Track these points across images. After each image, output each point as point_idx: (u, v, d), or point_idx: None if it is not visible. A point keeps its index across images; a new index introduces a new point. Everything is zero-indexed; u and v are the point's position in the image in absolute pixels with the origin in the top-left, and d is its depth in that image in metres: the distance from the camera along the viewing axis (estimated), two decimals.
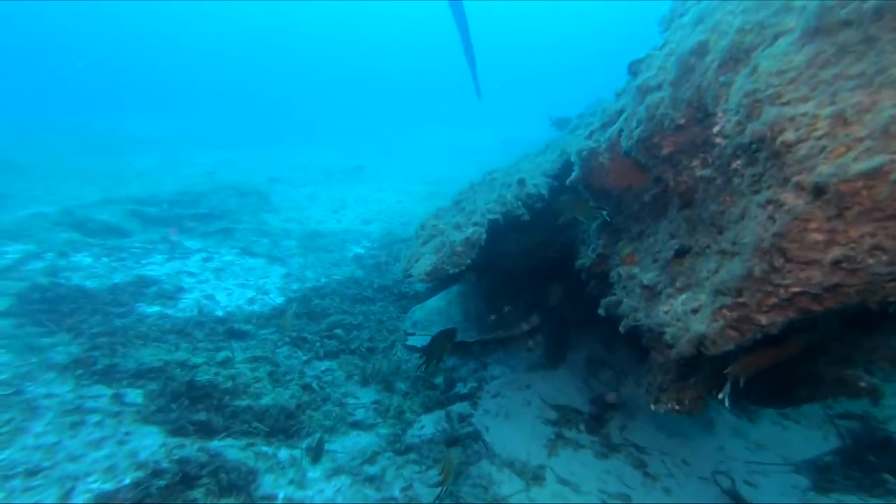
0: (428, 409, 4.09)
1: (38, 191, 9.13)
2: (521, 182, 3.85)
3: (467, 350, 4.92)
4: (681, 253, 2.25)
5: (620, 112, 2.80)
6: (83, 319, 4.16)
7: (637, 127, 2.36)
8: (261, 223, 8.82)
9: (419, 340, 5.06)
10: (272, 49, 45.32)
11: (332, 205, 11.42)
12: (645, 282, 2.52)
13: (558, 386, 4.41)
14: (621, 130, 2.63)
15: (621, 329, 2.59)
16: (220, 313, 5.04)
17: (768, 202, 1.69)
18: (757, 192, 1.80)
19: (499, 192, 3.76)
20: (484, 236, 3.29)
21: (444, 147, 21.44)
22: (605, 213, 3.02)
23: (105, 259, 5.62)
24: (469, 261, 3.22)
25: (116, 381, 3.35)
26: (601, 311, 3.10)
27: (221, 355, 3.90)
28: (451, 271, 3.18)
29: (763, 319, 1.69)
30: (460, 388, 4.40)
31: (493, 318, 4.94)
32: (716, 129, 2.10)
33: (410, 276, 3.37)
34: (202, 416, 3.28)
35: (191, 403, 3.39)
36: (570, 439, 3.75)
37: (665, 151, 2.25)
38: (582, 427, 3.86)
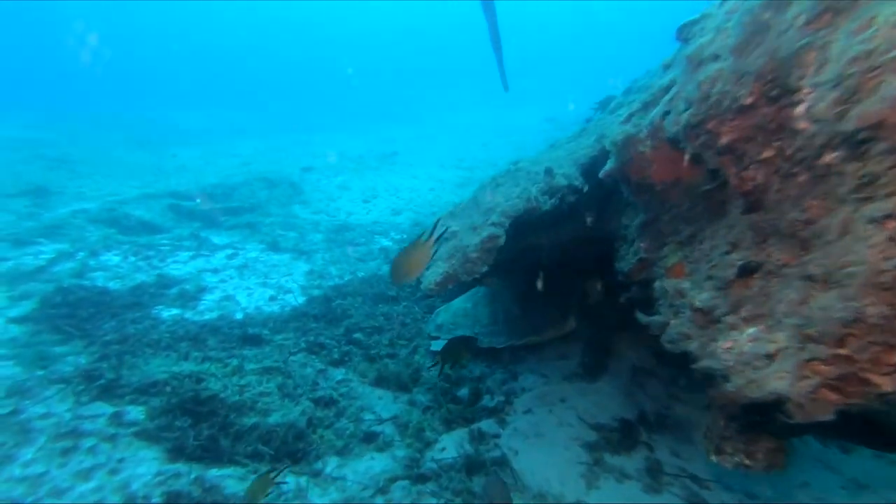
0: (450, 426, 3.74)
1: (86, 187, 9.42)
2: (549, 172, 3.34)
3: (496, 357, 4.51)
4: (746, 271, 1.72)
5: (667, 89, 2.24)
6: (99, 325, 4.10)
7: (686, 109, 1.83)
8: (290, 215, 8.71)
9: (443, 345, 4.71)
10: (311, 38, 45.57)
11: (363, 194, 11.19)
12: (698, 304, 2.00)
13: (598, 400, 3.93)
14: (666, 113, 2.08)
15: (672, 351, 2.10)
16: (238, 316, 4.89)
17: (889, 217, 1.15)
18: (867, 200, 1.26)
19: (523, 186, 3.27)
20: (502, 239, 2.85)
21: (484, 128, 20.70)
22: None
23: (132, 258, 5.62)
24: (485, 268, 2.80)
25: (118, 396, 3.22)
26: (643, 320, 2.61)
27: (231, 366, 3.70)
28: (465, 280, 2.77)
29: (883, 384, 1.18)
30: (487, 402, 4.01)
31: (523, 321, 4.50)
32: (798, 111, 1.55)
33: (422, 287, 2.98)
34: (204, 438, 3.08)
35: (194, 422, 3.21)
36: (612, 467, 3.28)
37: (724, 140, 1.71)
38: (625, 452, 3.37)
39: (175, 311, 4.67)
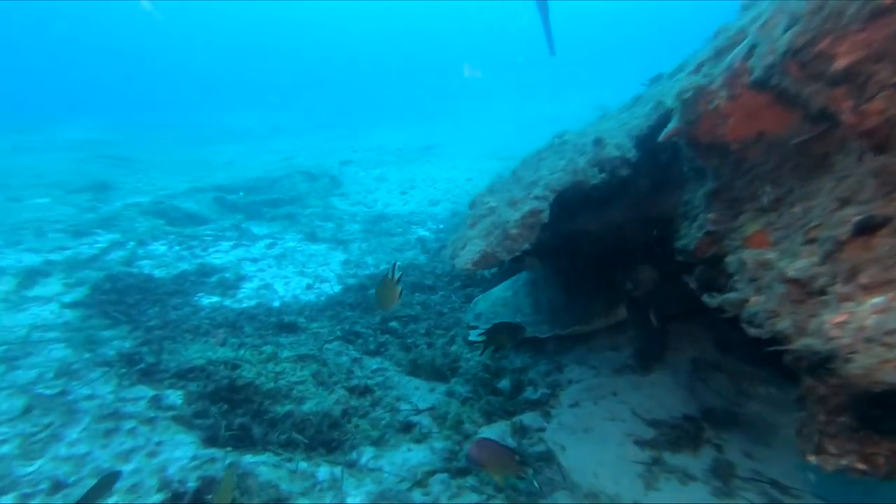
0: (490, 418, 3.51)
1: (142, 182, 9.81)
2: (599, 143, 3.02)
3: (539, 347, 4.23)
4: (866, 228, 1.38)
5: (750, 25, 1.89)
6: (144, 310, 4.15)
7: (787, 31, 1.49)
8: (328, 207, 8.71)
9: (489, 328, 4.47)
10: (350, 34, 46.24)
11: (400, 186, 11.11)
12: (792, 273, 1.66)
13: (654, 394, 3.57)
14: (752, 48, 1.74)
15: (756, 335, 1.77)
16: (275, 304, 4.86)
17: None
18: None
19: (569, 158, 2.97)
20: (545, 214, 2.57)
21: (526, 119, 20.20)
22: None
23: (177, 247, 5.73)
24: (527, 245, 2.53)
25: (158, 381, 3.20)
26: (711, 302, 2.27)
27: (267, 352, 3.63)
28: (504, 258, 2.52)
29: None
30: (530, 394, 3.74)
31: (568, 310, 4.19)
32: None
33: (456, 266, 2.75)
34: (240, 423, 3.00)
35: (230, 408, 3.13)
36: (674, 467, 2.94)
37: (841, 63, 1.37)
38: (689, 452, 3.02)
39: (215, 299, 4.69)
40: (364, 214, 8.59)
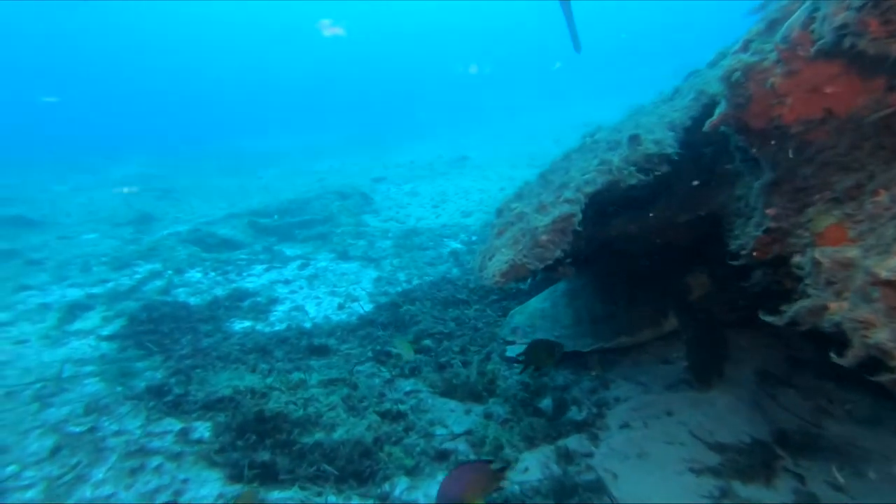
0: (532, 442, 3.24)
1: (182, 212, 10.21)
2: (635, 139, 2.75)
3: (582, 362, 3.93)
4: None
5: None
6: (177, 339, 4.17)
7: None
8: (359, 224, 8.71)
9: (519, 350, 4.21)
10: (380, 50, 47.27)
11: (432, 199, 11.05)
12: (886, 275, 1.36)
13: (715, 414, 3.20)
14: (813, 11, 1.47)
15: (847, 363, 1.47)
16: (307, 325, 4.79)
17: None
18: None
19: (601, 157, 2.72)
20: (578, 218, 2.33)
21: (558, 126, 19.82)
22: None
23: (212, 273, 5.81)
24: (559, 252, 2.29)
25: (186, 413, 3.15)
26: (778, 320, 1.95)
27: (295, 378, 3.53)
28: (534, 268, 2.29)
29: None
30: (574, 414, 3.45)
31: (612, 320, 3.87)
32: None
33: (484, 280, 2.55)
34: (266, 456, 2.88)
35: (258, 439, 3.03)
36: (746, 500, 2.57)
37: None
38: (763, 482, 2.64)
39: (247, 324, 4.67)
40: (396, 230, 8.52)
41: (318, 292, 5.60)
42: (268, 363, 3.77)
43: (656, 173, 2.86)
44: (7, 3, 38.54)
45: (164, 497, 2.48)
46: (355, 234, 7.96)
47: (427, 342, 4.50)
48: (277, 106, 37.83)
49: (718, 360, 3.54)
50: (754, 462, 2.71)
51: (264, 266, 6.27)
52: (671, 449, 3.00)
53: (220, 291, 5.32)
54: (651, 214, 3.66)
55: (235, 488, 2.58)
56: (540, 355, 3.07)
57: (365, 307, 5.29)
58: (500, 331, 4.57)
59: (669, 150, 2.83)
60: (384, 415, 3.45)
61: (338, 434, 3.15)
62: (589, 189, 2.50)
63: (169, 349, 4.01)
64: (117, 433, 2.93)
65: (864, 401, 3.01)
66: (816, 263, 1.69)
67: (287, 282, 5.79)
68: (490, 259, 2.58)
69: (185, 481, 2.60)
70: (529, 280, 5.55)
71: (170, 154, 21.17)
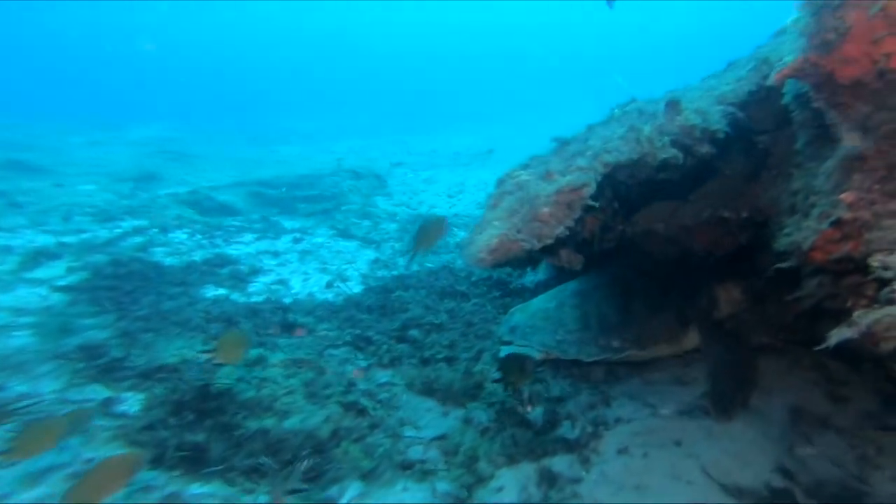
0: (513, 458, 2.76)
1: (190, 175, 9.92)
2: (674, 106, 2.23)
3: (584, 373, 3.43)
4: None
5: None
6: (137, 299, 3.81)
7: None
8: (369, 205, 8.31)
9: (513, 352, 3.72)
10: (419, 42, 46.93)
11: (449, 189, 10.62)
12: None
13: (736, 451, 2.66)
14: None
15: None
16: (287, 300, 4.39)
17: None
18: None
19: (629, 125, 2.21)
20: (591, 189, 1.84)
21: (594, 121, 19.08)
22: None
23: (198, 236, 5.48)
24: (562, 230, 1.81)
25: (118, 380, 2.77)
26: (851, 329, 1.43)
27: (254, 354, 3.12)
28: (530, 246, 1.81)
29: None
30: (566, 431, 2.95)
31: (623, 329, 3.36)
32: None
33: (468, 259, 2.07)
34: (201, 437, 2.48)
35: (197, 419, 2.63)
36: None
37: None
38: None
39: (221, 292, 4.30)
40: (405, 215, 8.11)
41: (308, 268, 5.21)
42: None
43: (696, 154, 2.33)
44: None
45: (54, 480, 2.07)
46: (361, 214, 7.57)
47: (414, 332, 4.06)
48: (315, 88, 37.80)
49: (745, 388, 2.99)
50: None
51: (256, 235, 5.91)
52: (676, 485, 2.49)
53: (200, 255, 4.96)
54: (685, 208, 3.12)
55: (149, 475, 2.17)
56: (510, 372, 2.63)
57: (354, 288, 4.87)
58: (498, 329, 4.08)
59: (715, 127, 2.30)
60: (349, 406, 3.02)
61: (290, 423, 2.73)
62: (609, 158, 2.00)
63: (126, 308, 3.66)
64: (22, 396, 2.55)
65: None
66: None
67: (277, 253, 5.42)
68: (479, 234, 2.11)
69: (87, 462, 2.20)
70: (539, 277, 5.05)
71: (196, 122, 21.19)
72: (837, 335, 1.43)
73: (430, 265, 5.61)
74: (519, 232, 1.84)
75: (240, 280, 4.57)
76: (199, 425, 2.59)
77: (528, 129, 20.00)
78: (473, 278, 5.23)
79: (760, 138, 2.78)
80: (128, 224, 5.65)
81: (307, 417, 2.82)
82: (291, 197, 8.12)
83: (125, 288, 3.93)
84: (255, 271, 4.84)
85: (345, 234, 6.48)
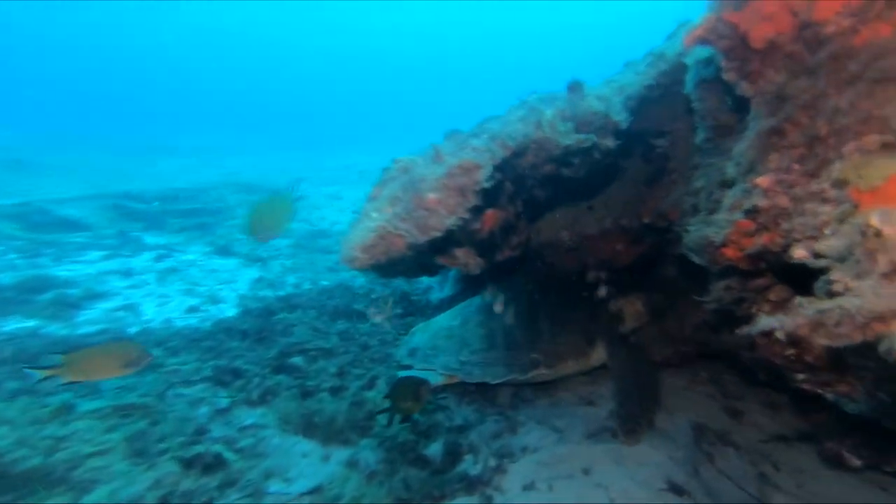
0: None
1: (26, 185, 8.21)
2: (576, 89, 2.01)
3: (490, 397, 3.07)
4: None
5: None
6: None
7: None
8: None
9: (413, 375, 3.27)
10: (334, 56, 45.80)
11: (354, 205, 10.03)
12: None
13: (644, 477, 2.42)
14: None
15: None
16: (132, 329, 3.52)
17: None
18: None
19: (530, 107, 1.93)
20: (486, 172, 1.49)
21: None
22: None
23: (13, 255, 4.33)
24: (455, 220, 1.43)
25: None
26: (795, 320, 1.20)
27: (55, 403, 2.30)
28: (414, 241, 1.41)
29: None
30: (468, 467, 2.53)
31: (529, 347, 3.07)
32: None
33: (343, 259, 1.61)
34: None
35: None
36: None
37: None
38: None
39: (29, 324, 3.31)
40: (302, 231, 7.41)
41: (170, 289, 4.32)
42: (20, 381, 2.49)
43: (599, 148, 2.12)
44: None
45: None
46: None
47: (296, 360, 3.43)
48: (215, 101, 35.06)
49: (650, 407, 2.82)
50: None
51: (105, 253, 4.86)
52: None
53: (8, 278, 3.86)
54: (588, 217, 2.96)
55: None
56: (402, 399, 2.21)
57: (226, 311, 4.10)
58: (397, 351, 3.60)
59: (618, 118, 2.12)
60: (191, 463, 2.31)
61: (93, 497, 1.97)
62: (507, 141, 1.68)
63: None
64: None
65: (819, 470, 2.41)
66: (872, 236, 0.94)
67: (128, 273, 4.45)
68: (355, 229, 1.66)
69: None
70: (445, 293, 4.68)
71: (54, 129, 18.30)
72: (769, 322, 1.19)
73: (325, 283, 5.00)
74: (401, 223, 1.43)
75: (67, 307, 3.59)
76: None
77: (437, 140, 20.22)
78: (375, 295, 4.73)
79: (659, 142, 2.71)
80: None
81: (123, 486, 2.08)
82: (163, 211, 7.00)
83: None
84: (94, 296, 3.86)
85: (224, 252, 5.63)
